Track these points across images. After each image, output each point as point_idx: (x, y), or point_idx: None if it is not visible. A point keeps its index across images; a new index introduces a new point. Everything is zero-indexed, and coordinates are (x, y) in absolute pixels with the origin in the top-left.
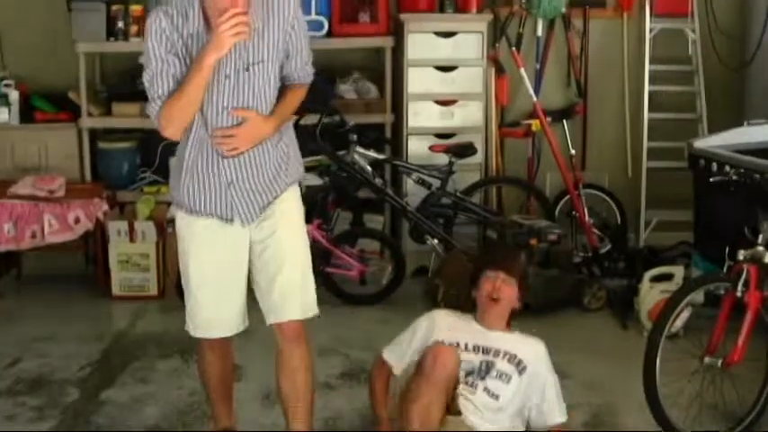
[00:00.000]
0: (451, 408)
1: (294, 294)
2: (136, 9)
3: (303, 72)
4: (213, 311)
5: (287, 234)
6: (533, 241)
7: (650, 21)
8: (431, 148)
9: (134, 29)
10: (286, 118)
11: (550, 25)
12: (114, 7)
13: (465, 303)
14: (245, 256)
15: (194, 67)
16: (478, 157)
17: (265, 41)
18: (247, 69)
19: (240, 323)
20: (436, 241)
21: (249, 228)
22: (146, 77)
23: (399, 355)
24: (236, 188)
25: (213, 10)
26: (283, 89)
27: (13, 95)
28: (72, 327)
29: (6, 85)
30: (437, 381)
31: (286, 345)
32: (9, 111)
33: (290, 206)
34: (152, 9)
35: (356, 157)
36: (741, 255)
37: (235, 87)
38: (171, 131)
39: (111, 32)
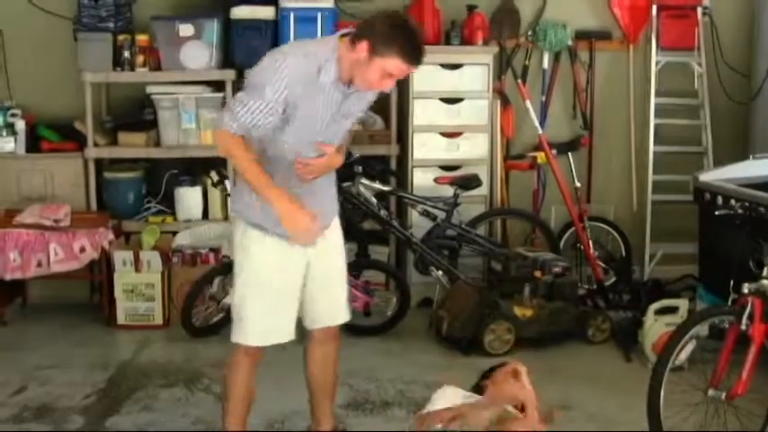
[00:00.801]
0: None
1: (344, 302)
2: (142, 39)
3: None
4: (274, 322)
5: (336, 252)
6: (538, 273)
7: (656, 54)
8: (436, 180)
9: (140, 59)
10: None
11: (556, 58)
12: (120, 37)
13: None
14: (303, 270)
15: (273, 193)
16: (484, 190)
17: (363, 99)
18: (346, 117)
19: (293, 331)
20: (441, 273)
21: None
22: (247, 99)
23: None
24: None
25: (360, 77)
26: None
27: (20, 125)
28: (77, 355)
29: (13, 115)
30: None
31: (330, 343)
32: (15, 140)
33: (337, 230)
34: (288, 49)
35: (361, 188)
36: (746, 288)
37: (329, 128)
38: (218, 143)
39: (118, 62)
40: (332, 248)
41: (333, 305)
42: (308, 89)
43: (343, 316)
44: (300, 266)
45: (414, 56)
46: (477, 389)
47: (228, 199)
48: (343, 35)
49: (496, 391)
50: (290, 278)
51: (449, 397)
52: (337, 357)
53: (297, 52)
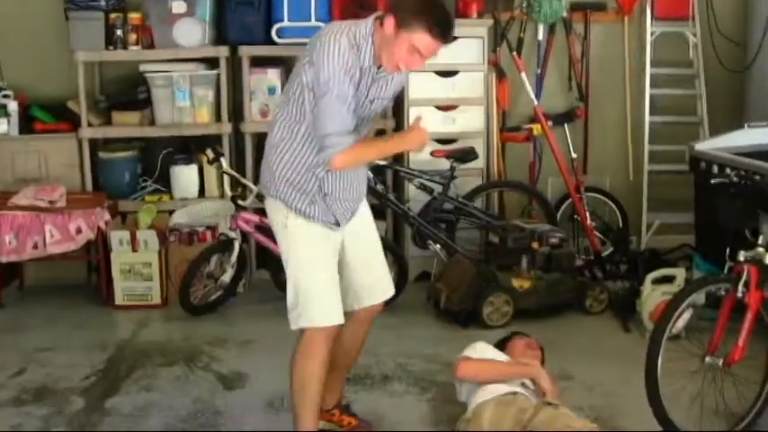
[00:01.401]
0: None
1: (388, 276)
2: (134, 17)
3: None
4: (334, 300)
5: (372, 228)
6: (535, 245)
7: (651, 24)
8: (432, 153)
9: (133, 37)
10: None
11: (551, 29)
12: (112, 15)
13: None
14: (339, 251)
15: (391, 145)
16: (480, 162)
17: (392, 85)
18: (371, 102)
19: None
20: (438, 246)
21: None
22: (334, 107)
23: None
24: (335, 200)
25: (387, 55)
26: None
27: (12, 106)
28: (75, 336)
29: (5, 96)
30: None
31: (365, 324)
32: (8, 122)
33: (367, 207)
34: (334, 34)
35: None
36: (742, 256)
37: (361, 113)
38: (341, 167)
39: (110, 41)
40: (367, 225)
41: (379, 281)
42: (359, 75)
43: (389, 290)
44: (338, 246)
45: (443, 30)
46: (501, 347)
47: (225, 177)
48: (377, 17)
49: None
50: (333, 259)
51: (472, 349)
52: (365, 339)
53: (343, 35)
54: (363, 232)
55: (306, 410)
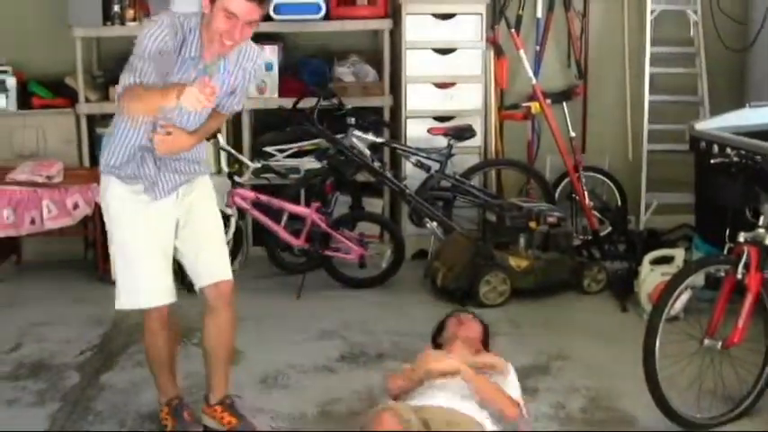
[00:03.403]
0: None
1: (223, 261)
2: None
3: (234, 107)
4: (161, 280)
5: (204, 212)
6: (533, 224)
7: (651, 2)
8: (429, 130)
9: (130, 13)
10: (206, 136)
11: (550, 6)
12: None
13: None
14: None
15: (162, 93)
16: (478, 140)
17: (224, 82)
18: None
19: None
20: (435, 224)
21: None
22: (129, 70)
23: None
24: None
25: (211, 34)
26: (212, 112)
27: (10, 82)
28: (72, 312)
29: (3, 72)
30: None
31: (221, 312)
32: (6, 97)
33: (204, 190)
34: (161, 17)
35: (354, 140)
36: (742, 237)
37: (188, 110)
38: (128, 111)
39: (108, 17)
40: (200, 211)
41: (210, 263)
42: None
43: (220, 274)
44: (168, 227)
45: None
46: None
47: (221, 153)
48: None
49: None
50: (161, 235)
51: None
52: (231, 327)
53: (167, 19)
54: (196, 219)
55: (162, 377)
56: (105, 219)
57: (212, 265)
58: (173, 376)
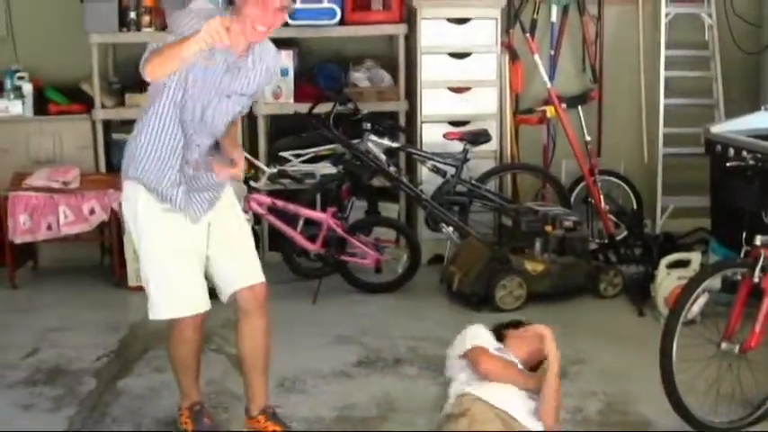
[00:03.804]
0: None
1: (254, 264)
2: None
3: (246, 110)
4: (199, 287)
5: (231, 219)
6: (549, 228)
7: (666, 5)
8: (445, 135)
9: (146, 19)
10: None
11: (565, 11)
12: None
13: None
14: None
15: (180, 43)
16: (493, 145)
17: (250, 80)
18: (229, 97)
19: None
20: (451, 229)
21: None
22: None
23: None
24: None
25: (241, 23)
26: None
27: (27, 88)
28: (88, 317)
29: (20, 78)
30: None
31: (256, 317)
32: (23, 103)
33: (228, 199)
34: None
35: (370, 145)
36: (758, 240)
37: (216, 108)
38: (152, 75)
39: (124, 23)
40: (226, 217)
41: (243, 267)
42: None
43: (255, 277)
44: (201, 230)
45: None
46: (498, 335)
47: None
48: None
49: (516, 346)
50: (191, 244)
51: (480, 336)
52: (267, 332)
53: (194, 11)
54: (224, 226)
55: (187, 382)
56: (132, 227)
57: (245, 268)
58: (197, 381)
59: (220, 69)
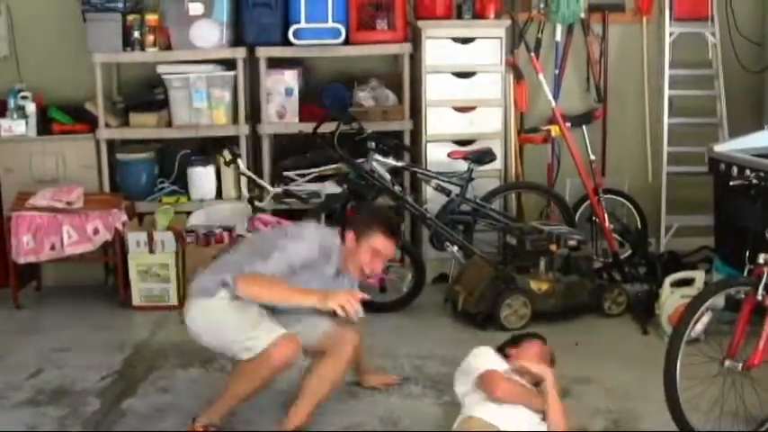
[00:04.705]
0: None
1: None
2: (151, 18)
3: None
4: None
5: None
6: (553, 247)
7: (670, 25)
8: (450, 154)
9: (150, 38)
10: None
11: (569, 30)
12: (130, 17)
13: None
14: None
15: (304, 293)
16: (498, 164)
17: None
18: None
19: None
20: (456, 248)
21: None
22: (278, 259)
23: None
24: None
25: (353, 264)
26: None
27: (30, 108)
28: (92, 337)
29: (23, 98)
30: None
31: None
32: (26, 123)
33: None
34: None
35: (375, 164)
36: (762, 258)
37: None
38: (243, 292)
39: (127, 42)
40: None
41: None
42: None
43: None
44: None
45: (393, 230)
46: (502, 353)
47: (242, 178)
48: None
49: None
50: None
51: (489, 357)
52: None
53: (317, 233)
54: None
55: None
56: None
57: None
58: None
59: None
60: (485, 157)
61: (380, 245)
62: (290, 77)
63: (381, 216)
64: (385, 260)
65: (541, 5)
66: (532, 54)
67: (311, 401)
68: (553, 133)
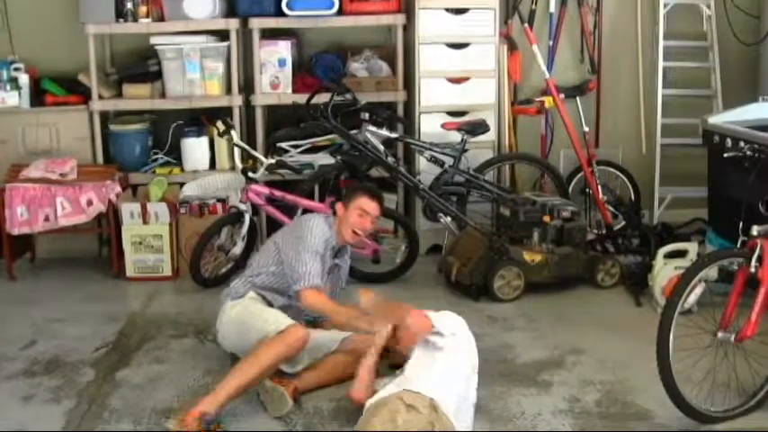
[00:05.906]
0: None
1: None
2: None
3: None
4: None
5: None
6: (547, 218)
7: None
8: (443, 125)
9: (143, 9)
10: None
11: (563, 1)
12: None
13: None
14: None
15: (369, 321)
16: (491, 135)
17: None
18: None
19: None
20: (449, 219)
21: None
22: (306, 258)
23: None
24: None
25: (345, 229)
26: None
27: (23, 79)
28: (87, 308)
29: (16, 69)
30: None
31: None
32: (19, 94)
33: None
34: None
35: (368, 135)
36: (755, 230)
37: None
38: (311, 306)
39: (120, 14)
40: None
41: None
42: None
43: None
44: None
45: (373, 192)
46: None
47: (235, 149)
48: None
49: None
50: None
51: None
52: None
53: (326, 221)
54: None
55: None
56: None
57: None
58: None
59: (330, 255)
60: (478, 128)
61: (365, 204)
62: (284, 48)
63: (364, 185)
64: (372, 219)
65: None
66: (526, 25)
67: (236, 383)
68: (547, 104)
